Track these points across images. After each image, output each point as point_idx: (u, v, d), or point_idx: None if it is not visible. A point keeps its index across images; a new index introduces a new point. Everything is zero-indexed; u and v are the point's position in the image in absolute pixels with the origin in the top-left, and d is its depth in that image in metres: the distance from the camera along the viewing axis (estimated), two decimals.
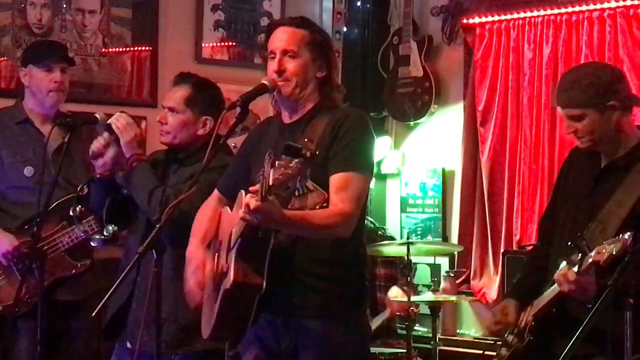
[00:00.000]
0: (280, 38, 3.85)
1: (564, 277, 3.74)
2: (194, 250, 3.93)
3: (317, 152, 3.32)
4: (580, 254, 3.70)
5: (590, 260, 3.65)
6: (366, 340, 4.00)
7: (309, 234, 3.68)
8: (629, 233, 3.55)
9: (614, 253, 3.55)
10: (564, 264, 3.77)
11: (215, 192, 4.02)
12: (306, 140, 3.36)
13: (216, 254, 3.88)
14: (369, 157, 3.82)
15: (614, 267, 3.55)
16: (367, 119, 3.91)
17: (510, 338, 4.22)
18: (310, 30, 3.86)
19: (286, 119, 3.91)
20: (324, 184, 3.63)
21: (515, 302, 4.21)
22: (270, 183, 3.32)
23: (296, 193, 3.63)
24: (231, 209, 3.87)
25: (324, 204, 3.62)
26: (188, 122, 4.39)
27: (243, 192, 3.67)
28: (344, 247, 3.81)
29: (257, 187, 3.44)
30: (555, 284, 3.88)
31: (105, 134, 4.33)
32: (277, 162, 3.33)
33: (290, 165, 3.28)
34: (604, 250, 3.60)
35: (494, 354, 4.42)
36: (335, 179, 3.64)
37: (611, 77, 4.11)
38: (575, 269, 3.69)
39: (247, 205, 3.40)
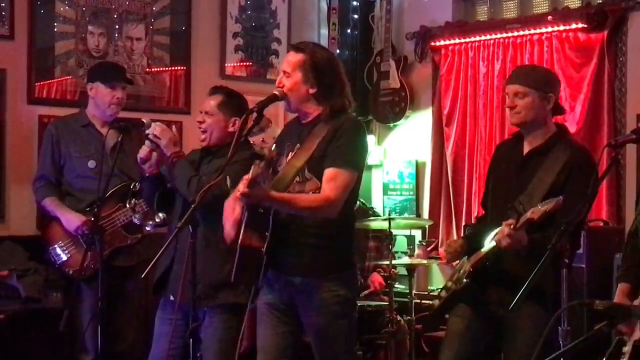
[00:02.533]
0: (285, 59, 3.87)
1: (504, 233, 3.68)
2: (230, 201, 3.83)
3: (275, 155, 3.55)
4: (517, 215, 3.67)
5: (526, 218, 3.63)
6: (353, 295, 3.91)
7: (297, 212, 3.66)
8: (560, 197, 3.57)
9: (548, 210, 3.54)
10: (504, 224, 3.71)
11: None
12: (272, 148, 3.58)
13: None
14: (357, 157, 3.75)
15: (544, 224, 3.61)
16: (361, 126, 3.87)
17: (449, 284, 4.15)
18: (305, 53, 3.81)
19: (302, 120, 3.89)
20: (320, 176, 3.64)
21: (463, 240, 4.18)
22: (250, 177, 3.42)
23: (297, 179, 3.68)
24: None
25: (317, 191, 3.63)
26: (219, 121, 4.34)
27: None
28: (330, 222, 3.74)
29: (247, 176, 3.49)
30: (492, 242, 3.83)
31: (147, 143, 4.30)
32: (256, 161, 3.45)
33: (260, 166, 3.42)
34: (538, 209, 3.59)
35: None
36: (327, 172, 3.62)
37: (555, 78, 4.17)
38: (512, 226, 3.64)
39: (238, 190, 3.50)
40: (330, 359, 3.81)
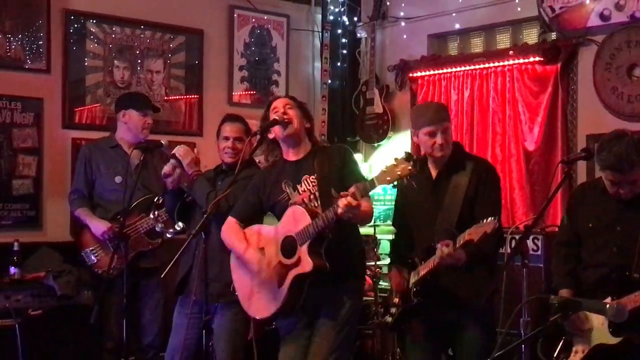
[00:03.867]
0: (279, 101, 3.96)
1: (444, 253, 3.54)
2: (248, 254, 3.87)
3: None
4: (447, 236, 3.59)
5: (465, 240, 3.49)
6: (361, 299, 4.08)
7: (364, 220, 3.82)
8: (491, 218, 3.45)
9: (488, 232, 3.43)
10: (439, 246, 3.58)
11: (232, 218, 3.96)
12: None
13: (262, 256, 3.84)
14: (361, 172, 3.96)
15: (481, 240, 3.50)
16: (350, 150, 4.02)
17: (396, 300, 3.98)
18: (296, 101, 4.00)
19: (292, 157, 3.91)
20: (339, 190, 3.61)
21: (397, 269, 4.01)
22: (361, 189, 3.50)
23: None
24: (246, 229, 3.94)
25: None
26: (246, 145, 4.37)
27: (295, 206, 3.72)
28: (353, 239, 3.88)
29: (348, 192, 3.49)
30: (427, 261, 3.72)
31: (172, 161, 4.34)
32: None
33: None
34: (476, 231, 3.46)
35: None
36: (359, 187, 3.53)
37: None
38: (451, 247, 3.53)
39: (346, 203, 3.45)
40: (336, 346, 3.80)
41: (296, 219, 3.67)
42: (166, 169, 4.35)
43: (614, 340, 3.50)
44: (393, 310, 3.98)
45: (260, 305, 3.82)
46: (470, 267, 3.62)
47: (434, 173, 3.92)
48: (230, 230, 3.94)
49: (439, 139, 3.81)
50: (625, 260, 3.61)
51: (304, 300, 3.69)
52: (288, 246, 3.70)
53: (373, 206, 3.85)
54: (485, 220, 3.46)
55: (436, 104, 4.41)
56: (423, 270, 3.76)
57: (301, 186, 3.81)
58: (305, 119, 3.93)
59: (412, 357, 4.10)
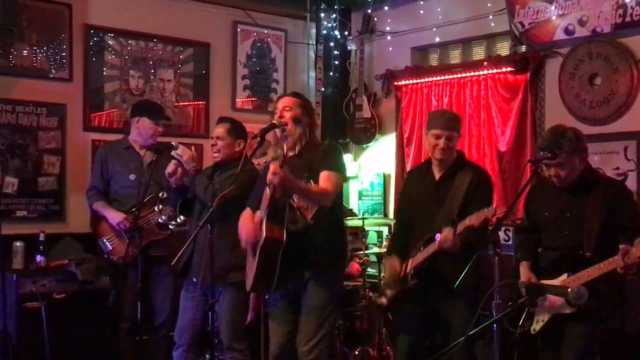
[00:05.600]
0: (282, 101, 4.00)
1: (447, 238, 3.73)
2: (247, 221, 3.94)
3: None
4: (452, 224, 3.71)
5: (466, 225, 3.67)
6: (341, 282, 4.09)
7: (306, 198, 3.75)
8: (492, 205, 3.66)
9: (490, 217, 3.61)
10: (444, 230, 3.74)
11: (248, 209, 4.00)
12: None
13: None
14: (341, 165, 3.93)
15: (480, 230, 3.65)
16: (340, 148, 4.12)
17: (392, 285, 4.10)
18: (300, 98, 4.02)
19: (290, 152, 3.93)
20: (316, 181, 3.77)
21: (396, 257, 4.13)
22: (277, 162, 3.54)
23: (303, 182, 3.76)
24: None
25: None
26: (229, 144, 4.41)
27: (268, 188, 3.77)
28: (334, 227, 3.86)
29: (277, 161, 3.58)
30: (428, 247, 3.89)
31: (174, 161, 4.40)
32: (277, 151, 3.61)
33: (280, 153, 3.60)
34: (477, 217, 3.63)
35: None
36: (322, 174, 3.77)
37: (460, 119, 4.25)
38: (451, 232, 3.70)
39: (271, 169, 3.51)
40: (317, 327, 3.84)
41: (265, 197, 3.77)
42: (169, 168, 4.41)
43: (569, 310, 3.60)
44: (389, 292, 4.08)
45: (248, 278, 3.90)
46: (463, 256, 3.65)
47: (437, 175, 4.08)
48: (244, 218, 3.95)
49: (441, 143, 3.99)
50: (576, 242, 3.71)
51: (281, 275, 3.69)
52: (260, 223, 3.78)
53: (332, 190, 3.76)
54: (484, 210, 3.63)
55: (451, 113, 4.45)
56: (422, 256, 3.91)
57: None
58: (306, 117, 3.93)
59: (400, 338, 4.17)
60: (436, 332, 4.24)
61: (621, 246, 3.46)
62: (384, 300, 4.14)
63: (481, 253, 3.41)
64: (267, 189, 3.74)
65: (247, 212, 3.98)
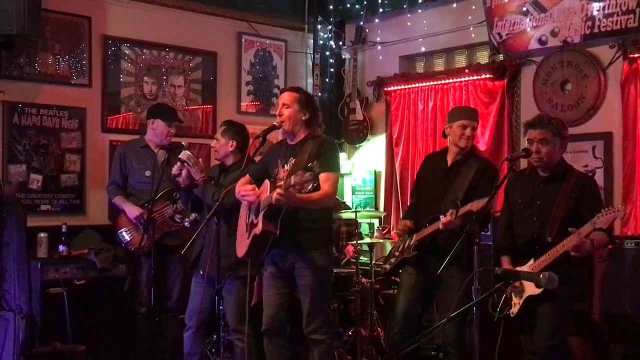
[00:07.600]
0: (282, 97, 3.91)
1: (450, 218, 3.80)
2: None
3: (318, 170, 3.35)
4: (455, 208, 3.79)
5: (467, 209, 3.72)
6: (331, 264, 4.03)
7: (311, 206, 3.72)
8: (489, 196, 3.64)
9: (485, 204, 3.62)
10: (448, 214, 3.82)
11: (247, 175, 4.04)
12: (314, 162, 3.35)
13: (249, 211, 3.93)
14: (338, 164, 3.90)
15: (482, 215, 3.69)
16: (335, 143, 3.98)
17: (396, 253, 4.25)
18: (299, 93, 3.90)
19: (289, 142, 3.93)
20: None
21: (408, 220, 4.28)
22: (292, 183, 3.35)
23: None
24: (257, 188, 3.90)
25: (317, 188, 3.66)
26: (222, 144, 4.43)
27: (267, 181, 3.71)
28: (320, 212, 3.82)
29: (282, 182, 3.49)
30: (432, 224, 3.97)
31: (178, 164, 4.38)
32: (298, 172, 3.33)
33: (306, 175, 3.30)
34: (477, 204, 3.66)
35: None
36: (321, 176, 3.64)
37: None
38: (454, 215, 3.80)
39: (277, 194, 3.44)
40: (314, 305, 3.87)
41: (264, 190, 3.71)
42: (174, 170, 4.38)
43: (538, 291, 3.62)
44: (392, 260, 4.21)
45: (239, 245, 3.90)
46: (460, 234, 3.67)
47: (449, 161, 4.15)
48: (241, 182, 3.97)
49: (467, 132, 4.10)
50: (543, 228, 3.72)
51: (268, 254, 3.79)
52: (257, 209, 3.75)
53: (328, 192, 3.72)
54: (485, 198, 3.67)
55: (472, 108, 4.58)
56: (426, 232, 4.02)
57: (287, 165, 3.83)
58: (304, 111, 3.88)
59: (398, 300, 4.23)
60: (432, 300, 4.28)
61: (570, 229, 3.49)
62: (387, 266, 4.30)
63: (470, 232, 3.46)
64: (268, 190, 3.68)
65: (245, 178, 3.99)
